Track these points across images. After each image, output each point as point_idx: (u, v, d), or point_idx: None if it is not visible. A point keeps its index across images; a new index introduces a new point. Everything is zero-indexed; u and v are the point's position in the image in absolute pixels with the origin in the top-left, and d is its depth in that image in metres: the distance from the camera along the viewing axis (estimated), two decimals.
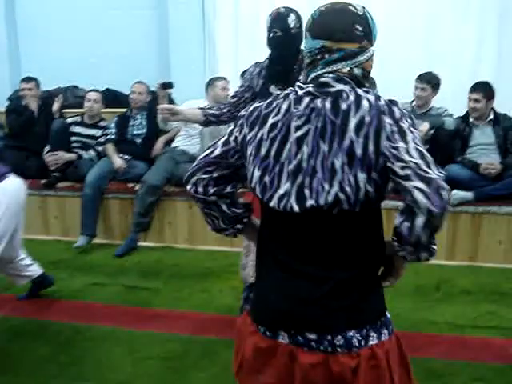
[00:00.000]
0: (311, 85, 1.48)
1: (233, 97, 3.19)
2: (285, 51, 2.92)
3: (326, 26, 1.48)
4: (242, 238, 2.99)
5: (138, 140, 5.23)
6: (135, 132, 5.24)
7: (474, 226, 4.38)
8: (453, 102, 5.03)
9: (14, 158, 5.28)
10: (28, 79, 5.63)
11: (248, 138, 1.52)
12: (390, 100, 1.43)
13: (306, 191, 1.42)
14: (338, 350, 1.43)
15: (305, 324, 1.46)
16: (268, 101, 1.54)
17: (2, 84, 6.41)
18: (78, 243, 4.82)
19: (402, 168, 1.33)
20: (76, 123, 5.41)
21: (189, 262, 4.52)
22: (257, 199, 1.55)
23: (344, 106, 1.41)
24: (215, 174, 1.58)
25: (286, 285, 1.49)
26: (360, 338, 1.44)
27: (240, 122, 1.56)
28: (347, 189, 1.37)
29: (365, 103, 1.40)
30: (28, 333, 3.40)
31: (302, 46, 1.67)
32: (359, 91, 1.44)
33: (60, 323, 3.51)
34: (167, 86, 3.89)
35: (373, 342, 1.45)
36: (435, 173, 1.31)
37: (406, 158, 1.33)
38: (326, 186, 1.39)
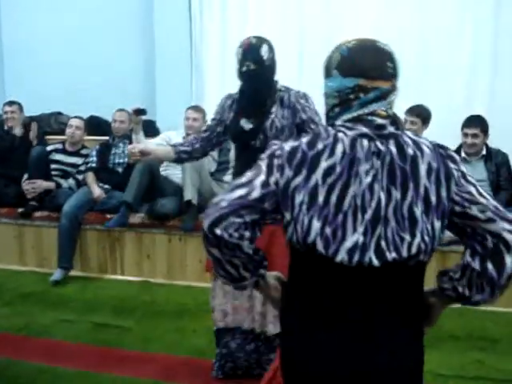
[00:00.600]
0: (362, 126, 1.39)
1: (204, 131, 3.05)
2: (259, 85, 2.76)
3: (359, 63, 1.41)
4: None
5: (120, 169, 5.07)
6: (117, 161, 5.09)
7: None
8: (443, 136, 4.87)
9: None
10: (11, 103, 5.49)
11: (294, 183, 1.37)
12: (441, 145, 1.44)
13: (383, 243, 1.34)
14: None
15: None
16: (307, 140, 1.40)
17: None
18: (54, 277, 4.63)
19: (482, 211, 1.35)
20: (57, 150, 5.26)
21: (165, 298, 4.32)
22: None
23: (410, 151, 1.37)
24: (248, 219, 1.38)
25: (360, 345, 1.38)
26: None
27: (278, 163, 1.40)
28: (426, 238, 1.35)
29: (426, 149, 1.38)
30: None
31: (324, 85, 1.51)
32: (412, 135, 1.42)
33: (23, 363, 3.31)
34: (140, 112, 3.77)
35: None
36: (508, 213, 1.37)
37: (483, 201, 1.36)
38: (407, 237, 1.34)
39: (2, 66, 6.56)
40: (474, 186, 1.39)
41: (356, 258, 1.33)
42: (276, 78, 2.87)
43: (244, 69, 2.73)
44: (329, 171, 1.35)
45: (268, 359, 2.88)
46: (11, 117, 5.42)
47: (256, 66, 2.71)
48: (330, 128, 1.42)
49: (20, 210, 4.99)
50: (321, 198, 1.34)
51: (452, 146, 4.58)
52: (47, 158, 5.16)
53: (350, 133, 1.38)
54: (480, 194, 1.38)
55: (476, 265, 1.37)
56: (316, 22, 5.44)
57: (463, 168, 1.41)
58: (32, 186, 4.97)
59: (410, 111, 4.62)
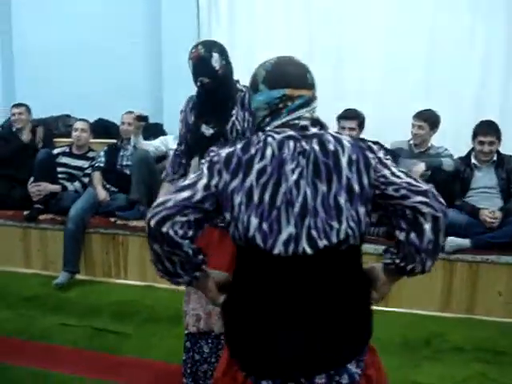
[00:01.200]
0: (288, 130, 1.55)
1: (179, 144, 2.98)
2: (216, 97, 2.67)
3: (284, 75, 1.59)
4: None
5: (127, 171, 5.03)
6: (124, 163, 5.05)
7: (472, 275, 4.07)
8: (454, 141, 4.79)
9: None
10: (19, 105, 5.52)
11: (232, 186, 1.51)
12: (361, 139, 1.63)
13: (314, 232, 1.47)
14: None
15: (317, 366, 1.50)
16: (240, 146, 1.55)
17: None
18: (59, 280, 4.61)
19: (397, 190, 1.49)
20: (63, 153, 5.25)
21: (167, 302, 4.25)
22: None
23: (331, 147, 1.51)
24: (192, 218, 1.52)
25: (295, 332, 1.51)
26: (358, 371, 1.54)
27: (217, 168, 1.54)
28: (352, 224, 1.48)
29: (346, 143, 1.53)
30: None
31: (253, 101, 1.66)
32: (334, 133, 1.57)
33: (19, 368, 3.28)
34: (143, 119, 3.77)
35: (363, 367, 1.55)
36: (425, 184, 1.51)
37: (397, 180, 1.50)
38: (335, 224, 1.47)
39: (13, 68, 6.57)
40: (389, 168, 1.52)
41: (291, 248, 1.47)
42: (236, 77, 2.78)
43: (198, 84, 2.65)
44: (261, 173, 1.50)
45: None
46: (18, 118, 5.44)
47: (209, 80, 2.62)
48: (260, 134, 1.57)
49: (25, 212, 4.98)
50: (256, 198, 1.49)
51: (464, 151, 4.51)
52: (53, 161, 5.14)
53: (277, 136, 1.53)
54: (393, 175, 1.51)
55: (402, 237, 1.51)
56: (324, 26, 5.37)
57: (380, 154, 1.54)
58: (37, 188, 4.95)
59: (417, 116, 4.52)
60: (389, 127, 4.81)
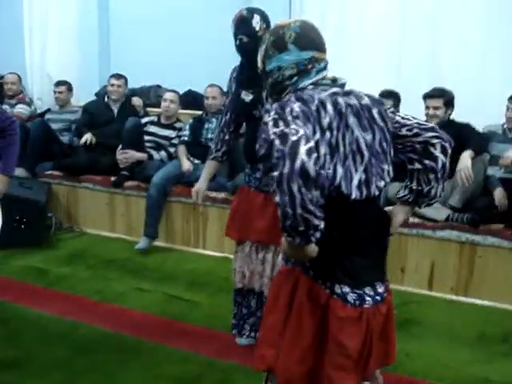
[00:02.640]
0: (328, 87, 1.72)
1: (224, 114, 3.11)
2: (253, 57, 2.61)
3: (312, 38, 1.76)
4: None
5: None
6: (209, 136, 5.06)
7: None
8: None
9: (89, 153, 5.33)
10: (118, 76, 5.63)
11: (315, 138, 1.61)
12: (369, 94, 1.83)
13: (375, 176, 1.73)
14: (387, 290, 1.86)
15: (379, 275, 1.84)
16: (298, 102, 1.63)
17: (92, 79, 6.52)
18: (140, 245, 4.74)
19: (410, 130, 1.79)
20: (151, 123, 5.35)
21: None
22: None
23: (363, 101, 1.75)
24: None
25: (364, 260, 1.78)
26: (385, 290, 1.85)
27: (299, 118, 1.58)
28: (391, 165, 1.78)
29: (369, 98, 1.78)
30: (54, 333, 3.30)
31: (278, 59, 1.77)
32: (356, 90, 1.79)
33: (90, 326, 3.40)
34: None
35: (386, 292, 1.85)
36: (429, 123, 1.87)
37: (407, 122, 1.80)
38: (385, 167, 1.76)
39: (109, 38, 6.74)
40: (399, 115, 1.82)
41: (364, 192, 1.71)
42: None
43: (237, 42, 2.83)
44: (330, 126, 1.66)
45: None
46: (116, 90, 5.56)
47: (248, 39, 2.79)
48: (307, 91, 1.69)
49: (112, 178, 5.12)
50: (340, 149, 1.67)
51: None
52: (141, 130, 5.24)
53: (325, 93, 1.69)
54: (404, 119, 1.81)
55: (416, 165, 1.82)
56: (417, 32, 5.00)
57: (387, 105, 1.84)
58: (125, 156, 5.07)
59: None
60: (482, 111, 4.50)
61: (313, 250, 1.64)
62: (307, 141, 1.50)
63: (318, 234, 1.57)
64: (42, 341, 3.20)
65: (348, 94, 1.73)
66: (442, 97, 4.18)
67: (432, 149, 1.77)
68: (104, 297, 3.86)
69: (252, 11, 2.81)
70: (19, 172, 4.97)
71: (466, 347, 3.21)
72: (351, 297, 1.74)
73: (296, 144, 1.48)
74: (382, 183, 1.74)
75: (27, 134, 5.28)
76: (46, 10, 6.93)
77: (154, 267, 4.44)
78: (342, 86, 1.76)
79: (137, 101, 5.71)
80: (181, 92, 5.56)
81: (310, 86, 1.73)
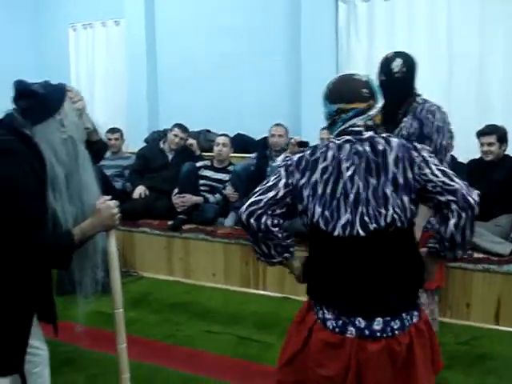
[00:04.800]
0: (345, 135, 1.90)
1: None
2: (389, 96, 2.74)
3: (338, 92, 1.94)
4: None
5: None
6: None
7: None
8: None
9: (144, 198, 5.45)
10: (184, 128, 5.65)
11: (301, 182, 1.90)
12: (409, 140, 2.03)
13: (366, 218, 1.82)
14: (396, 332, 1.86)
15: (376, 309, 1.86)
16: (310, 151, 1.94)
17: (140, 126, 6.68)
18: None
19: (434, 187, 1.81)
20: (205, 167, 5.47)
21: None
22: None
23: (380, 147, 1.85)
24: (278, 211, 1.94)
25: (354, 290, 1.88)
26: (409, 318, 1.89)
27: (291, 169, 1.93)
28: (397, 210, 1.82)
29: (394, 144, 1.86)
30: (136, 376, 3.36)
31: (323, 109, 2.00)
32: (384, 135, 1.91)
33: (169, 370, 3.46)
34: (303, 144, 4.02)
35: (415, 319, 1.91)
36: (458, 183, 1.81)
37: (434, 178, 1.82)
38: (383, 211, 1.81)
39: (157, 85, 6.90)
40: (430, 167, 1.83)
41: (347, 231, 1.84)
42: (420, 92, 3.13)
43: (378, 82, 2.93)
44: (324, 171, 1.88)
45: None
46: (178, 142, 5.62)
47: (385, 78, 3.00)
48: (325, 141, 1.97)
49: (169, 222, 5.23)
50: (320, 191, 1.88)
51: None
52: (197, 174, 5.37)
53: (337, 141, 1.91)
54: (432, 173, 1.82)
55: (435, 227, 1.88)
56: (465, 45, 5.18)
57: (424, 153, 1.86)
58: (181, 200, 5.19)
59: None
60: None
61: (295, 267, 2.08)
62: (262, 193, 1.93)
63: (283, 255, 2.01)
64: None
65: (364, 140, 1.87)
66: (495, 133, 4.29)
67: (449, 214, 1.79)
68: (176, 341, 3.92)
69: (397, 55, 3.05)
70: None
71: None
72: (331, 323, 1.91)
73: (252, 194, 1.96)
74: (373, 225, 1.81)
75: None
76: (93, 59, 7.19)
77: (218, 309, 4.50)
78: (357, 133, 1.89)
79: (191, 140, 5.81)
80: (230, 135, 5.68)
81: (338, 136, 1.93)
